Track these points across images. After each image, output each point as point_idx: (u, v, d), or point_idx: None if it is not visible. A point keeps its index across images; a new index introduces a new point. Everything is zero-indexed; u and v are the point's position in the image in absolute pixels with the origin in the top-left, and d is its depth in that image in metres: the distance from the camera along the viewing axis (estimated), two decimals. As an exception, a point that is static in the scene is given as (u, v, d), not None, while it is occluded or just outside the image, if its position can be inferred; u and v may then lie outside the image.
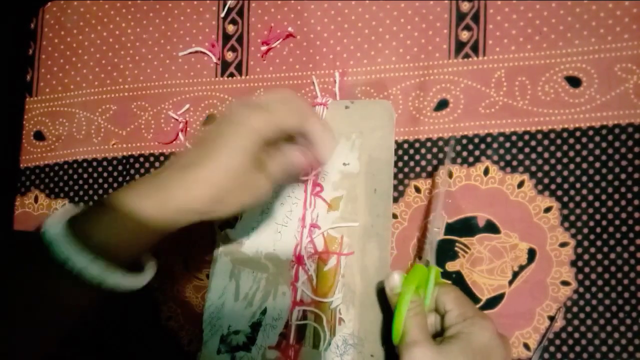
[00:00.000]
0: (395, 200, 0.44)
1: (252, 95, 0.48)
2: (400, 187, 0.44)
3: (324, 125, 0.36)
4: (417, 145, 0.44)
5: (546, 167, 0.42)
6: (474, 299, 0.42)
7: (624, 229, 0.40)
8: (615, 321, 0.40)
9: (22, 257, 0.31)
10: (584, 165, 0.41)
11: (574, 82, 0.42)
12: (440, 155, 0.44)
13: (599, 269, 0.40)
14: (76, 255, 0.30)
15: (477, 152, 0.43)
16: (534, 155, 0.42)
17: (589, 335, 0.40)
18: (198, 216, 0.34)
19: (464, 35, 0.44)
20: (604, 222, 0.40)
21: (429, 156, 0.44)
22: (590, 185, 0.41)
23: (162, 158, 0.49)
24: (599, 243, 0.40)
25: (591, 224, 0.41)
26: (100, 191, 0.50)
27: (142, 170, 0.49)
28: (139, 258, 0.35)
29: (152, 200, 0.32)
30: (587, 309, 0.40)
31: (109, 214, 0.32)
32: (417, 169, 0.44)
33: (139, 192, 0.33)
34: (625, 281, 0.40)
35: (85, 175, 0.51)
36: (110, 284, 0.31)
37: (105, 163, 0.50)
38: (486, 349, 0.34)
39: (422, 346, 0.33)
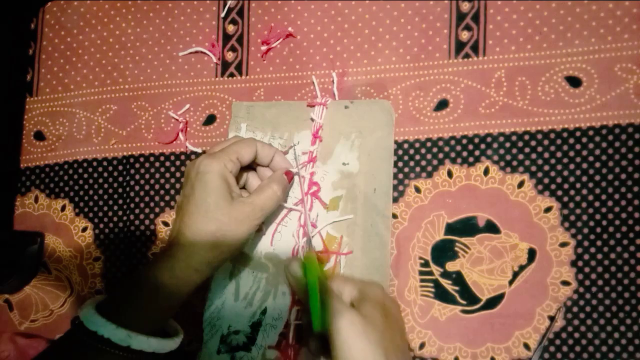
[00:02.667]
0: (395, 200, 0.44)
1: (251, 95, 0.48)
2: (400, 187, 0.44)
3: (269, 147, 0.41)
4: (417, 145, 0.44)
5: (546, 167, 0.42)
6: (474, 298, 0.42)
7: (624, 229, 0.40)
8: (615, 321, 0.40)
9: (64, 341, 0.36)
10: (584, 165, 0.41)
11: (574, 82, 0.42)
12: (441, 155, 0.44)
13: (599, 269, 0.40)
14: (103, 326, 0.34)
15: (477, 152, 0.43)
16: (534, 155, 0.42)
17: (589, 335, 0.40)
18: (202, 279, 0.38)
19: (464, 35, 0.44)
20: (604, 222, 0.40)
21: (428, 156, 0.44)
22: (591, 185, 0.41)
23: (162, 158, 0.49)
24: (599, 243, 0.40)
25: (591, 224, 0.41)
26: (100, 191, 0.50)
27: (142, 170, 0.49)
28: (164, 325, 0.39)
29: (172, 280, 0.36)
30: (587, 309, 0.40)
31: (127, 300, 0.36)
32: (417, 168, 0.44)
33: (161, 273, 0.37)
34: (626, 281, 0.40)
35: (86, 175, 0.51)
36: (135, 346, 0.34)
37: (105, 163, 0.50)
38: (385, 301, 0.36)
39: (347, 313, 0.33)
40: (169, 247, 0.37)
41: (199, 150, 0.48)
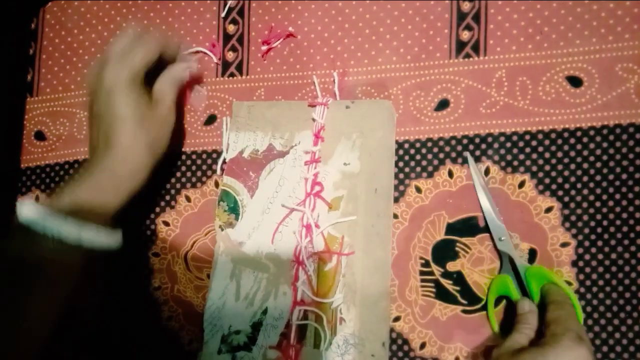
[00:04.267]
0: (396, 200, 0.44)
1: (252, 95, 0.48)
2: (401, 187, 0.44)
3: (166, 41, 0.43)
4: (417, 145, 0.44)
5: (547, 167, 0.42)
6: (475, 298, 0.42)
7: (625, 229, 0.40)
8: (616, 321, 0.40)
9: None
10: (585, 165, 0.41)
11: (575, 82, 0.42)
12: (441, 155, 0.44)
13: (600, 269, 0.40)
14: (50, 218, 0.35)
15: (477, 152, 0.43)
16: (535, 155, 0.42)
17: (590, 335, 0.40)
18: (144, 173, 0.41)
19: (465, 35, 0.44)
20: (605, 222, 0.40)
21: (429, 156, 0.44)
22: (592, 185, 0.41)
23: (161, 157, 0.49)
24: (600, 243, 0.40)
25: (592, 224, 0.41)
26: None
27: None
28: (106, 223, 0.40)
29: (105, 175, 0.39)
30: (588, 309, 0.40)
31: (73, 189, 0.38)
32: (418, 168, 0.44)
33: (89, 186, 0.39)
34: (627, 281, 0.40)
35: (86, 175, 0.51)
36: (86, 240, 0.36)
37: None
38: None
39: (499, 357, 0.35)
40: (88, 165, 0.40)
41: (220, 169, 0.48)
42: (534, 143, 0.42)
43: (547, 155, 0.42)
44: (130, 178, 0.40)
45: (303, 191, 0.43)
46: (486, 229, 0.42)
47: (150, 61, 0.42)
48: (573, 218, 0.41)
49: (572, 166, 0.41)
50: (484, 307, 0.41)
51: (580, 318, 0.38)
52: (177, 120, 0.47)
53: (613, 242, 0.40)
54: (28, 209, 0.36)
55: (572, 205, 0.41)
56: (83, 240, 0.36)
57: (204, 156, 0.48)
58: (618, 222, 0.40)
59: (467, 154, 0.43)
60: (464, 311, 0.42)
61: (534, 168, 0.42)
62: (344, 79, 0.46)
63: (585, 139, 0.41)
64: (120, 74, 0.39)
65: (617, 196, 0.40)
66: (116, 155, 0.39)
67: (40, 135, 0.53)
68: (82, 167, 0.41)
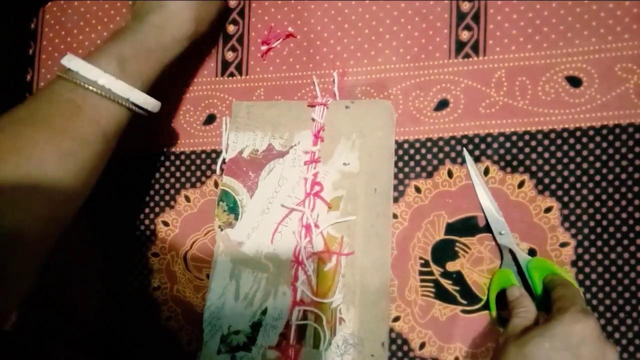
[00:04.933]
0: (396, 200, 0.44)
1: (251, 94, 0.48)
2: (401, 187, 0.44)
3: None
4: (417, 145, 0.44)
5: (546, 167, 0.42)
6: (475, 298, 0.42)
7: (624, 229, 0.40)
8: (615, 321, 0.40)
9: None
10: (585, 165, 0.41)
11: (575, 82, 0.42)
12: (441, 155, 0.44)
13: (600, 269, 0.40)
14: (102, 76, 0.36)
15: (477, 152, 0.43)
16: (534, 155, 0.42)
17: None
18: (188, 41, 0.42)
19: (464, 35, 0.44)
20: (605, 222, 0.40)
21: (429, 156, 0.44)
22: (591, 185, 0.41)
23: (161, 157, 0.49)
24: (599, 243, 0.40)
25: (592, 224, 0.41)
26: (100, 191, 0.50)
27: (142, 170, 0.49)
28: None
29: (143, 35, 0.39)
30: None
31: (113, 48, 0.38)
32: (417, 169, 0.44)
33: (127, 33, 0.39)
34: (626, 281, 0.40)
35: (86, 175, 0.51)
36: (133, 100, 0.38)
37: (105, 163, 0.50)
38: (573, 338, 0.32)
39: (507, 341, 0.35)
40: (133, 24, 0.40)
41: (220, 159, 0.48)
42: (533, 143, 0.42)
43: (546, 155, 0.42)
44: (171, 45, 0.41)
45: (302, 191, 0.43)
46: (486, 228, 0.42)
47: None
48: (572, 218, 0.41)
49: (572, 166, 0.41)
50: (484, 307, 0.41)
51: None
52: (176, 120, 0.47)
53: (612, 242, 0.40)
54: (76, 64, 0.36)
55: (572, 205, 0.41)
56: (131, 98, 0.38)
57: (204, 156, 0.48)
58: (617, 222, 0.40)
59: (463, 149, 0.43)
60: (464, 311, 0.42)
61: (534, 168, 0.42)
62: (343, 79, 0.46)
63: (584, 139, 0.41)
64: None
65: (617, 196, 0.40)
66: (164, 18, 0.40)
67: (39, 135, 0.53)
68: (125, 25, 0.41)
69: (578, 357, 0.31)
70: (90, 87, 0.36)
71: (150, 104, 0.40)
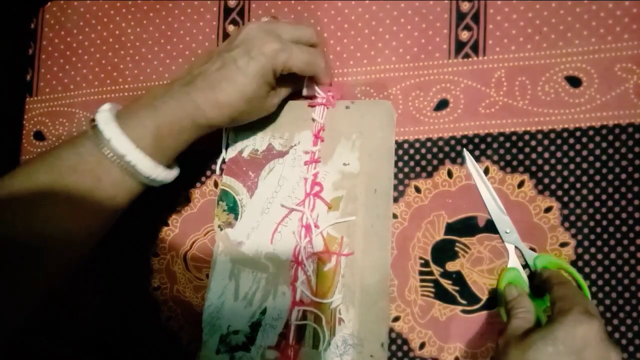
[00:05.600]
0: (396, 200, 0.44)
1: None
2: (401, 187, 0.44)
3: (327, 67, 0.43)
4: (417, 145, 0.44)
5: (546, 167, 0.42)
6: (475, 298, 0.42)
7: (624, 229, 0.40)
8: (615, 321, 0.40)
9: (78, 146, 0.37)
10: (584, 165, 0.41)
11: (574, 82, 0.42)
12: (441, 155, 0.44)
13: (600, 269, 0.40)
14: (132, 152, 0.36)
15: (477, 152, 0.43)
16: (534, 155, 0.42)
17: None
18: (212, 129, 0.40)
19: (464, 35, 0.44)
20: (605, 222, 0.40)
21: (429, 156, 0.44)
22: (591, 185, 0.41)
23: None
24: (599, 243, 0.40)
25: (591, 224, 0.41)
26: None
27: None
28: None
29: (183, 111, 0.38)
30: (588, 309, 0.40)
31: (151, 118, 0.37)
32: (417, 169, 0.44)
33: (170, 104, 0.38)
34: (626, 281, 0.40)
35: (85, 175, 0.51)
36: (154, 177, 0.38)
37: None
38: (576, 341, 0.31)
39: (507, 345, 0.34)
40: (177, 94, 0.38)
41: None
42: (533, 143, 0.42)
43: (546, 155, 0.42)
44: (203, 129, 0.39)
45: (302, 191, 0.43)
46: (486, 228, 0.42)
47: (303, 73, 0.41)
48: (572, 218, 0.41)
49: (571, 166, 0.41)
50: (484, 307, 0.41)
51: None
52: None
53: (612, 242, 0.40)
54: (111, 131, 0.36)
55: (572, 205, 0.41)
56: (152, 176, 0.38)
57: (203, 156, 0.48)
58: (617, 222, 0.40)
59: (464, 150, 0.43)
60: (464, 311, 0.42)
61: (533, 168, 0.42)
62: (343, 79, 0.46)
63: (584, 139, 0.41)
64: (277, 57, 0.38)
65: (616, 196, 0.40)
66: (210, 104, 0.38)
67: (39, 136, 0.53)
68: (168, 88, 0.39)
69: None
70: (117, 161, 0.36)
71: (170, 178, 0.40)
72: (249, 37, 0.39)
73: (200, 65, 0.40)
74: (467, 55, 0.44)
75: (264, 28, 0.40)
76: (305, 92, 0.44)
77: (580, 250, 0.40)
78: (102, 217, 0.38)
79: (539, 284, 0.39)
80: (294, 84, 0.43)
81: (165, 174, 0.39)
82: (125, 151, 0.36)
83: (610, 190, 0.40)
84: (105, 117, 0.36)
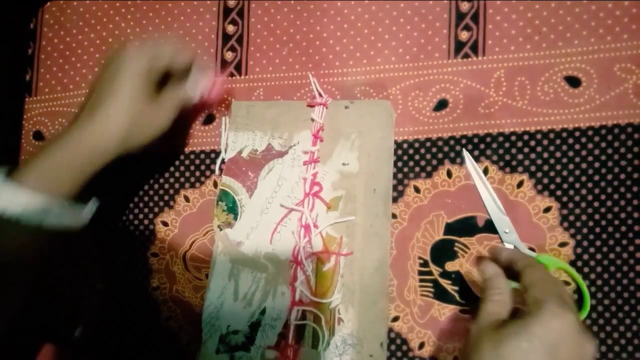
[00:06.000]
0: (395, 200, 0.44)
1: (250, 94, 0.48)
2: (400, 187, 0.44)
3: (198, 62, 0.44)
4: (416, 145, 0.44)
5: (545, 167, 0.42)
6: (474, 298, 0.42)
7: (623, 228, 0.40)
8: (614, 321, 0.40)
9: None
10: (583, 165, 0.41)
11: (573, 82, 0.42)
12: (440, 155, 0.44)
13: (598, 269, 0.40)
14: (15, 195, 0.34)
15: (476, 152, 0.43)
16: (533, 155, 0.42)
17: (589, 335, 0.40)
18: (112, 155, 0.40)
19: (464, 35, 0.44)
20: (603, 222, 0.40)
21: (428, 156, 0.44)
22: (590, 185, 0.41)
23: (160, 157, 0.49)
24: (598, 243, 0.40)
25: (590, 224, 0.41)
26: (100, 191, 0.50)
27: (142, 170, 0.49)
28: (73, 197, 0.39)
29: (72, 144, 0.38)
30: (587, 309, 0.40)
31: (38, 160, 0.37)
32: (417, 168, 0.44)
33: (58, 141, 0.38)
34: (625, 281, 0.40)
35: (85, 175, 0.51)
36: (51, 220, 0.35)
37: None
38: (551, 336, 0.31)
39: (481, 334, 0.32)
40: (83, 119, 0.39)
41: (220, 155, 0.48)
42: (532, 143, 0.42)
43: (545, 155, 0.42)
44: (92, 155, 0.39)
45: (302, 191, 0.43)
46: (485, 228, 0.42)
47: (173, 64, 0.42)
48: (571, 218, 0.41)
49: (571, 166, 0.41)
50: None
51: (587, 304, 0.39)
52: (175, 121, 0.47)
53: (611, 242, 0.40)
54: None
55: (571, 205, 0.41)
56: (45, 219, 0.36)
57: (203, 156, 0.48)
58: (616, 222, 0.40)
59: (463, 150, 0.43)
60: (463, 311, 0.42)
61: (533, 168, 0.42)
62: (342, 79, 0.46)
63: (583, 139, 0.41)
64: (138, 59, 0.39)
65: (616, 196, 0.40)
66: (90, 130, 0.38)
67: (39, 135, 0.53)
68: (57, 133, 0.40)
69: (556, 357, 0.30)
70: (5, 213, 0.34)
71: (72, 220, 0.38)
72: (109, 58, 0.41)
73: (81, 105, 0.41)
74: (466, 55, 0.44)
75: (125, 48, 0.40)
76: (189, 91, 0.44)
77: (579, 250, 0.41)
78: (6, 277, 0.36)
79: (508, 267, 0.37)
80: (177, 95, 0.43)
81: (59, 218, 0.37)
82: (4, 203, 0.34)
83: (609, 190, 0.40)
84: None
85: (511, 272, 0.36)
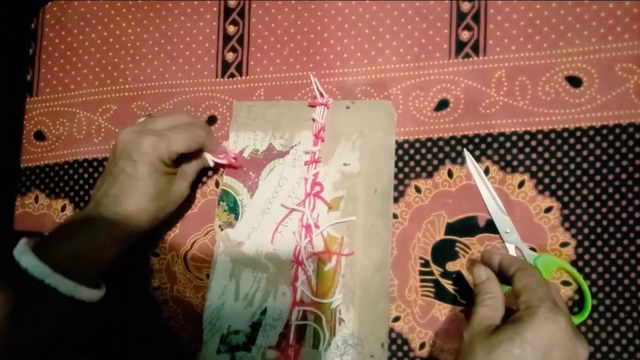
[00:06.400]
0: (396, 200, 0.44)
1: (251, 95, 0.48)
2: (401, 187, 0.44)
3: (211, 135, 0.45)
4: (417, 145, 0.44)
5: (547, 167, 0.42)
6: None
7: (624, 229, 0.40)
8: (615, 321, 0.40)
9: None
10: (585, 165, 0.41)
11: (575, 82, 0.42)
12: (441, 155, 0.44)
13: (600, 269, 0.40)
14: (51, 276, 0.36)
15: (477, 152, 0.43)
16: (534, 155, 0.42)
17: (589, 335, 0.40)
18: (136, 237, 0.42)
19: (465, 35, 0.44)
20: (605, 222, 0.40)
21: (429, 156, 0.44)
22: (591, 185, 0.41)
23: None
24: (599, 243, 0.40)
25: (592, 224, 0.41)
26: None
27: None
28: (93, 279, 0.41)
29: (98, 231, 0.39)
30: (588, 309, 0.40)
31: (67, 243, 0.39)
32: (418, 169, 0.44)
33: (85, 227, 0.39)
34: (626, 281, 0.40)
35: (86, 175, 0.51)
36: (79, 296, 0.38)
37: (105, 163, 0.50)
38: (544, 342, 0.31)
39: (473, 341, 0.33)
40: (89, 217, 0.40)
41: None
42: (533, 143, 0.42)
43: (546, 155, 0.42)
44: (126, 240, 0.41)
45: (303, 191, 0.43)
46: (486, 229, 0.42)
47: (189, 150, 0.42)
48: (572, 218, 0.41)
49: (572, 166, 0.41)
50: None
51: (588, 304, 0.39)
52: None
53: (612, 242, 0.40)
54: (27, 260, 0.36)
55: (572, 205, 0.41)
56: (76, 296, 0.38)
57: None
58: (617, 222, 0.40)
59: (464, 150, 0.43)
60: (464, 311, 0.42)
61: (534, 168, 0.42)
62: (343, 79, 0.46)
63: (584, 139, 0.41)
64: (157, 148, 0.39)
65: (617, 196, 0.40)
66: (121, 217, 0.39)
67: (39, 135, 0.53)
68: (79, 215, 0.41)
69: None
70: (35, 289, 0.36)
71: (95, 296, 0.40)
72: (125, 144, 0.40)
73: (100, 188, 0.41)
74: (467, 55, 0.44)
75: (136, 130, 0.41)
76: (211, 163, 0.45)
77: (580, 250, 0.40)
78: (31, 347, 0.38)
79: (500, 271, 0.37)
80: (195, 163, 0.44)
81: (89, 293, 0.39)
82: (43, 276, 0.36)
83: (610, 190, 0.40)
84: (20, 249, 0.37)
85: (504, 276, 0.36)
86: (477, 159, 0.43)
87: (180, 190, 0.43)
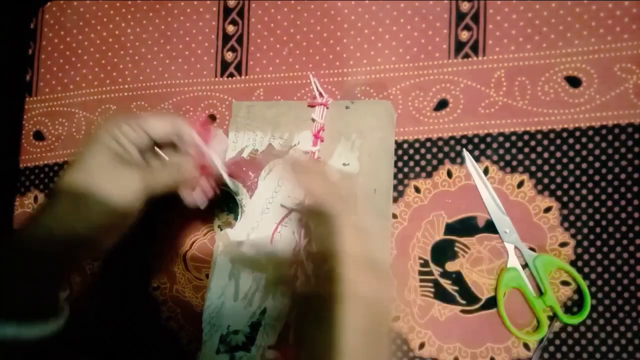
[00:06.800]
0: (395, 200, 0.44)
1: (251, 95, 0.48)
2: (400, 187, 0.44)
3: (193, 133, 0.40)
4: (416, 145, 0.44)
5: (546, 167, 0.42)
6: (474, 298, 0.42)
7: (623, 229, 0.40)
8: (615, 321, 0.40)
9: None
10: (584, 165, 0.41)
11: (574, 82, 0.42)
12: (440, 155, 0.44)
13: (599, 269, 0.40)
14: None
15: (476, 152, 0.43)
16: (533, 155, 0.42)
17: (589, 335, 0.40)
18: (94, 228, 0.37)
19: (464, 35, 0.44)
20: (604, 222, 0.40)
21: (428, 156, 0.44)
22: (590, 185, 0.41)
23: (161, 158, 0.49)
24: (598, 243, 0.40)
25: (591, 224, 0.41)
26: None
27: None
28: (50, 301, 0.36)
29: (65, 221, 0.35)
30: (587, 309, 0.40)
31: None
32: (417, 169, 0.44)
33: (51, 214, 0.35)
34: (625, 281, 0.40)
35: (85, 175, 0.51)
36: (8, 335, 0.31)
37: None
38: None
39: None
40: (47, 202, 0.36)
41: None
42: (532, 143, 0.42)
43: (545, 155, 0.42)
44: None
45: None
46: (485, 228, 0.42)
47: (157, 135, 0.39)
48: (572, 218, 0.41)
49: (571, 166, 0.41)
50: (483, 307, 0.41)
51: (588, 304, 0.39)
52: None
53: (612, 242, 0.40)
54: None
55: (571, 205, 0.41)
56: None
57: (203, 156, 0.48)
58: (617, 222, 0.40)
59: (464, 150, 0.43)
60: (463, 311, 0.42)
61: (533, 168, 0.42)
62: (343, 79, 0.46)
63: (584, 139, 0.41)
64: (111, 125, 0.37)
65: (616, 196, 0.40)
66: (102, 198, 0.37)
67: (39, 135, 0.53)
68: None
69: None
70: None
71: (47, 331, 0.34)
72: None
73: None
74: (466, 55, 0.44)
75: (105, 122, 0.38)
76: (217, 168, 0.41)
77: (579, 250, 0.41)
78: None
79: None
80: (181, 161, 0.41)
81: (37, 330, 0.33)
82: None
83: (609, 190, 0.40)
84: None
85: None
86: (477, 159, 0.43)
87: (163, 178, 0.40)
